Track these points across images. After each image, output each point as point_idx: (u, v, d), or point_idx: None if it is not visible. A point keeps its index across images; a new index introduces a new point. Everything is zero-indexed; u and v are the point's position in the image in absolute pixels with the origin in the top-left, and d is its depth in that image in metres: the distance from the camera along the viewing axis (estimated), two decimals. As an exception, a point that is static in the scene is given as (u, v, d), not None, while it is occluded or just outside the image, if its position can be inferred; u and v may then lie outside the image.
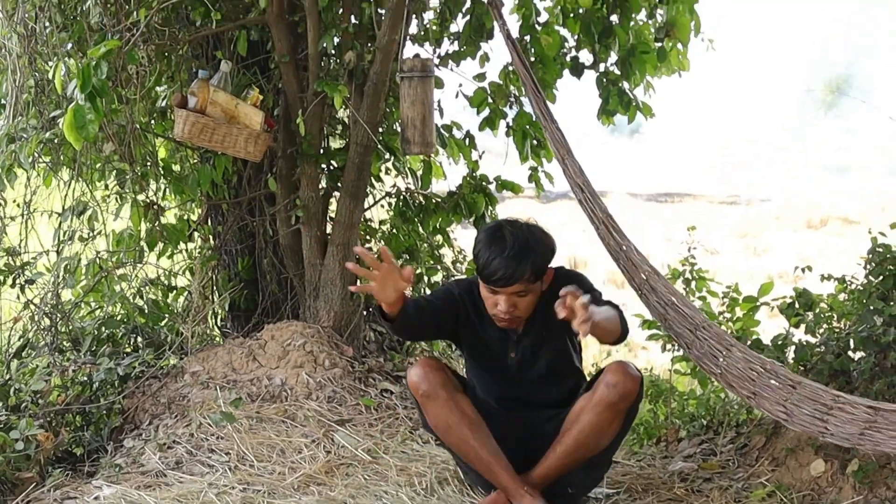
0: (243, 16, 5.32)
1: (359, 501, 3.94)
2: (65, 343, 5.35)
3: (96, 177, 5.55)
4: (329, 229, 5.44)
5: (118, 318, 5.53)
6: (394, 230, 5.85)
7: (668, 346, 5.14)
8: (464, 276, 4.12)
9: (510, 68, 5.62)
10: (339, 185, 5.36)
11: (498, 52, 5.66)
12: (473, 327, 3.85)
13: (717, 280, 5.47)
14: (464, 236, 6.10)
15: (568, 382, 3.94)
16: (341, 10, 5.17)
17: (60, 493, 4.10)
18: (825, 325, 4.89)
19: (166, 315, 5.64)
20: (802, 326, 4.95)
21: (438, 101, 5.43)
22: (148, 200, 5.35)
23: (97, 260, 5.52)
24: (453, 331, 3.90)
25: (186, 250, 5.86)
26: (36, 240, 5.57)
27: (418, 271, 5.90)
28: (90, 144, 5.02)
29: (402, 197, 5.82)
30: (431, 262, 5.96)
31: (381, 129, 5.44)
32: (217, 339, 5.77)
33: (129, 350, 5.38)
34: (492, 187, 5.79)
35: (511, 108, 5.68)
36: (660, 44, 5.77)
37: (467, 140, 5.77)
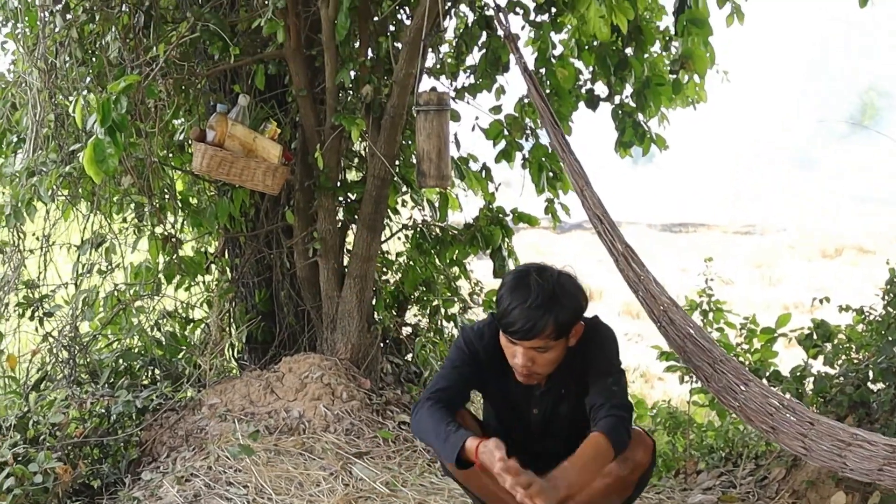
0: (261, 50, 5.35)
1: (377, 535, 3.93)
2: (83, 375, 5.37)
3: (114, 210, 5.58)
4: (346, 261, 5.45)
5: (136, 350, 5.54)
6: (411, 262, 5.86)
7: (686, 378, 5.13)
8: (473, 322, 3.78)
9: (526, 100, 5.64)
10: (356, 217, 5.37)
11: (513, 85, 5.69)
12: (494, 379, 3.59)
13: (733, 311, 5.46)
14: (480, 268, 6.11)
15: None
16: (358, 45, 5.20)
17: (79, 526, 4.11)
18: (844, 357, 4.88)
19: (184, 347, 5.65)
20: (821, 358, 4.94)
21: (455, 134, 5.47)
22: (166, 233, 5.37)
23: (115, 292, 5.54)
24: (480, 387, 3.69)
25: (204, 283, 5.88)
26: (55, 272, 5.60)
27: (435, 303, 5.91)
28: (109, 177, 5.05)
29: (418, 229, 5.83)
30: (448, 294, 5.96)
31: (398, 162, 5.46)
32: (234, 371, 5.78)
33: (146, 382, 5.39)
34: (508, 219, 5.79)
35: (527, 140, 5.69)
36: (675, 76, 5.79)
37: (484, 172, 5.79)
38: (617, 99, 5.84)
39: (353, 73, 5.14)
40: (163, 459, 4.77)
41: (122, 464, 4.79)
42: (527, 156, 5.69)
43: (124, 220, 5.71)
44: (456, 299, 5.99)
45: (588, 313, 3.48)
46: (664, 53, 5.97)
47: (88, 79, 5.28)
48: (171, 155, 5.73)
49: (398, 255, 5.96)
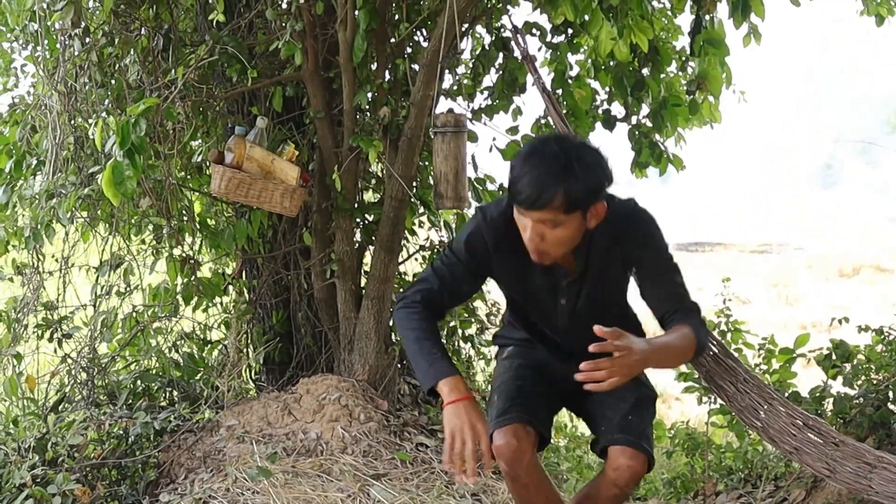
0: (279, 72, 5.38)
1: (396, 557, 3.92)
2: (101, 397, 5.38)
3: (133, 231, 5.61)
4: (364, 283, 5.45)
5: (154, 371, 5.55)
6: (427, 283, 5.84)
7: (704, 399, 5.12)
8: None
9: (542, 121, 5.65)
10: (373, 238, 5.38)
11: (530, 106, 5.70)
12: (515, 263, 3.25)
13: (751, 332, 5.45)
14: (496, 289, 6.09)
15: (619, 317, 3.35)
16: (376, 67, 5.23)
17: (98, 548, 4.11)
18: (863, 377, 4.86)
19: (201, 369, 5.66)
20: (840, 378, 4.92)
21: (472, 156, 5.47)
22: (184, 255, 5.39)
23: (133, 314, 5.56)
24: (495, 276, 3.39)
25: (221, 304, 5.89)
26: (74, 294, 5.62)
27: (451, 324, 5.90)
28: (127, 199, 5.07)
29: (435, 250, 5.83)
30: (465, 314, 5.96)
31: (415, 184, 5.47)
32: (252, 392, 5.78)
33: (164, 404, 5.39)
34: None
35: (543, 161, 5.68)
36: (691, 96, 5.79)
37: (501, 193, 5.79)
38: (634, 119, 5.85)
39: (370, 95, 5.15)
40: (181, 481, 4.76)
41: (140, 485, 4.78)
42: (543, 176, 5.68)
43: (143, 242, 5.74)
44: (473, 320, 5.98)
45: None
46: (680, 74, 5.97)
47: (108, 101, 5.32)
48: (189, 177, 5.76)
49: (415, 275, 5.96)
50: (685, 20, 5.59)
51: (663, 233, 3.26)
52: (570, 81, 5.65)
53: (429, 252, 5.83)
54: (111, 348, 5.61)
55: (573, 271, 3.23)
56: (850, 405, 4.71)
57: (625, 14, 5.21)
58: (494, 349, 5.88)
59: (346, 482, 4.56)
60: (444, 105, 5.34)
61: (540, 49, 5.57)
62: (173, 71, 4.97)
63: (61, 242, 5.51)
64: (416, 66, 5.20)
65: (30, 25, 5.48)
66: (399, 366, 5.54)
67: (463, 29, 5.07)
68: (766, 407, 3.62)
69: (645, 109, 5.83)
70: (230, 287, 5.81)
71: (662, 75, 5.77)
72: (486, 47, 5.65)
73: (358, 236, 5.52)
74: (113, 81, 5.27)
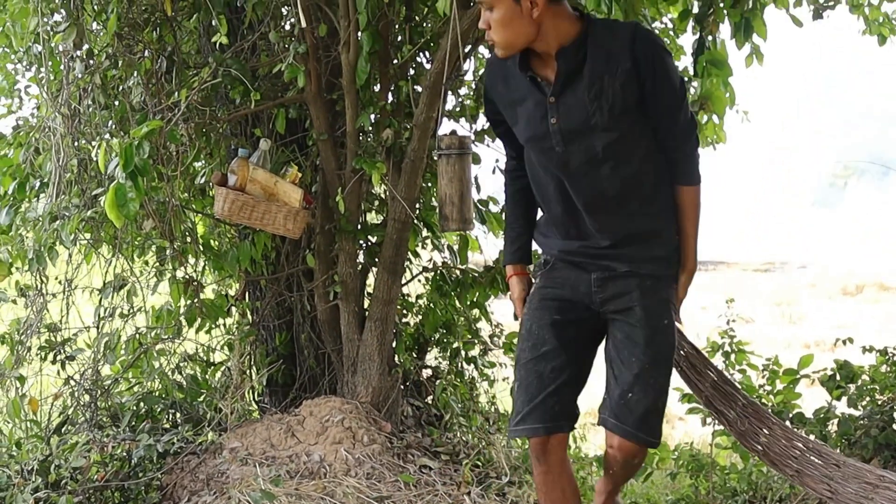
0: (282, 94, 5.39)
1: (400, 581, 3.91)
2: (104, 419, 5.37)
3: (136, 253, 5.61)
4: (367, 304, 5.45)
5: (157, 393, 5.54)
6: (431, 304, 5.85)
7: (708, 420, 5.10)
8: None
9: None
10: (376, 260, 5.38)
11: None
12: (507, 99, 3.43)
13: (755, 353, 5.44)
14: (501, 310, 6.10)
15: (636, 175, 3.35)
16: (379, 89, 5.23)
17: (100, 572, 4.10)
18: (868, 398, 4.85)
19: (205, 391, 5.65)
20: (844, 399, 4.91)
21: (476, 177, 5.47)
22: (187, 276, 5.39)
23: (137, 336, 5.56)
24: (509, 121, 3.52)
25: (225, 325, 5.89)
26: (77, 316, 5.61)
27: (455, 345, 5.90)
28: (130, 221, 5.07)
29: (439, 271, 5.82)
30: (469, 336, 5.95)
31: (418, 205, 5.47)
32: (255, 414, 5.77)
33: (167, 426, 5.38)
34: (529, 261, 5.77)
35: (547, 181, 5.68)
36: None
37: (504, 214, 5.77)
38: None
39: (373, 117, 5.16)
40: (184, 504, 4.76)
41: (143, 508, 4.79)
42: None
43: (146, 264, 5.73)
44: (476, 341, 5.97)
45: None
46: (683, 94, 5.97)
47: (111, 124, 5.33)
48: (192, 198, 5.76)
49: (418, 297, 5.95)
50: (688, 41, 5.61)
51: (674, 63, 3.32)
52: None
53: (432, 273, 5.82)
54: (114, 370, 5.60)
55: (554, 82, 3.26)
56: (854, 426, 4.70)
57: (627, 35, 5.20)
58: (497, 370, 5.92)
59: (349, 505, 4.56)
60: (446, 126, 5.36)
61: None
62: (176, 93, 4.97)
63: (64, 264, 5.51)
64: (418, 88, 5.22)
65: (34, 47, 5.50)
66: (402, 387, 5.53)
67: (465, 50, 5.07)
68: (765, 431, 3.63)
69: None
70: (233, 309, 5.80)
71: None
72: (489, 68, 5.66)
73: (361, 258, 5.52)
74: (116, 103, 5.28)
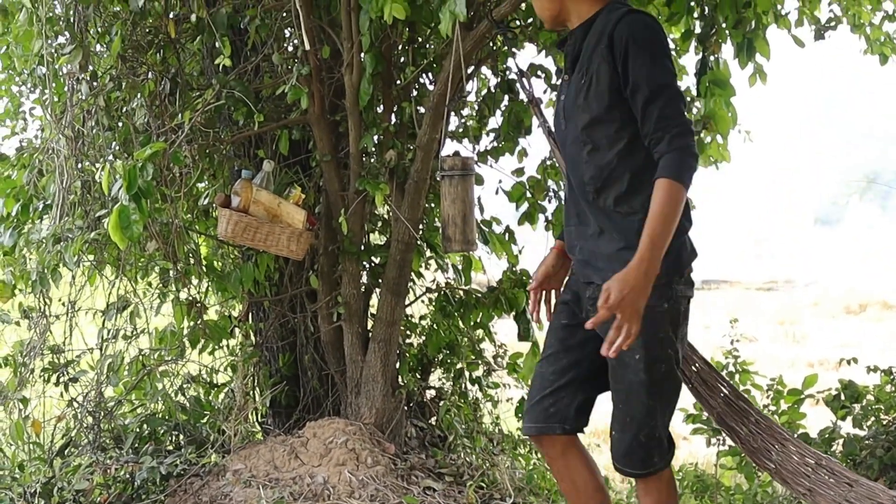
0: (285, 116, 5.40)
1: None
2: (107, 441, 5.36)
3: (140, 274, 5.60)
4: (370, 325, 5.44)
5: (160, 415, 5.53)
6: (434, 325, 5.84)
7: (713, 440, 5.09)
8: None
9: (548, 162, 5.66)
10: (380, 281, 5.37)
11: (535, 147, 5.71)
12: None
13: (759, 372, 5.43)
14: (504, 330, 6.09)
15: (611, 166, 3.28)
16: (382, 110, 5.24)
17: None
18: (873, 418, 4.84)
19: (208, 412, 5.64)
20: (849, 419, 4.90)
21: (479, 198, 5.47)
22: (190, 298, 5.38)
23: (140, 357, 5.55)
24: None
25: (228, 347, 5.88)
26: (80, 338, 5.61)
27: (459, 366, 5.89)
28: (134, 243, 5.07)
29: (442, 292, 5.82)
30: (472, 357, 5.94)
31: (421, 226, 5.47)
32: (258, 435, 5.76)
33: (170, 448, 5.37)
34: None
35: (550, 202, 5.69)
36: (697, 136, 5.79)
37: (507, 235, 5.78)
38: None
39: (376, 139, 5.16)
40: (187, 526, 4.74)
41: (147, 531, 4.77)
42: (550, 218, 5.69)
43: (149, 285, 5.73)
44: (480, 362, 5.95)
45: None
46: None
47: (115, 145, 5.34)
48: (195, 220, 5.77)
49: (422, 318, 5.94)
50: (690, 60, 5.61)
51: (665, 50, 3.20)
52: (575, 123, 5.64)
53: (436, 294, 5.82)
54: (117, 392, 5.59)
55: (566, 61, 3.43)
56: (860, 446, 4.68)
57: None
58: (501, 391, 5.91)
59: (353, 527, 4.54)
60: (449, 147, 5.36)
61: (545, 91, 5.58)
62: (180, 115, 4.98)
63: (68, 286, 5.51)
64: (421, 109, 5.23)
65: (38, 69, 5.51)
66: (406, 408, 5.52)
67: (468, 72, 5.08)
68: (778, 447, 3.61)
69: (651, 150, 5.81)
70: (236, 330, 5.79)
71: (668, 116, 5.76)
72: (492, 89, 5.68)
73: (364, 279, 5.51)
74: (120, 125, 5.29)
